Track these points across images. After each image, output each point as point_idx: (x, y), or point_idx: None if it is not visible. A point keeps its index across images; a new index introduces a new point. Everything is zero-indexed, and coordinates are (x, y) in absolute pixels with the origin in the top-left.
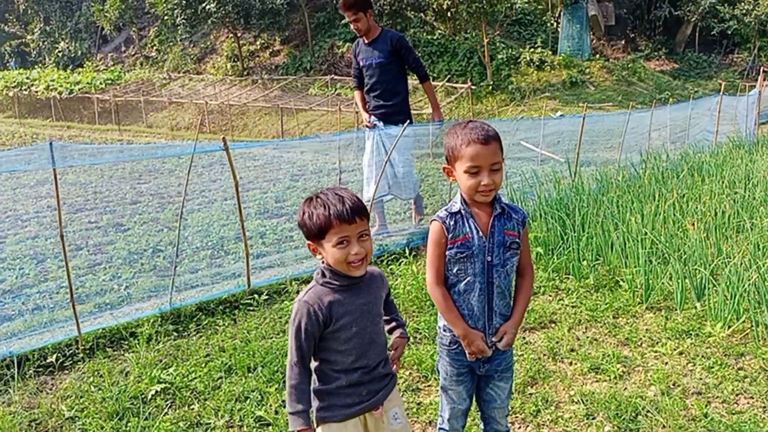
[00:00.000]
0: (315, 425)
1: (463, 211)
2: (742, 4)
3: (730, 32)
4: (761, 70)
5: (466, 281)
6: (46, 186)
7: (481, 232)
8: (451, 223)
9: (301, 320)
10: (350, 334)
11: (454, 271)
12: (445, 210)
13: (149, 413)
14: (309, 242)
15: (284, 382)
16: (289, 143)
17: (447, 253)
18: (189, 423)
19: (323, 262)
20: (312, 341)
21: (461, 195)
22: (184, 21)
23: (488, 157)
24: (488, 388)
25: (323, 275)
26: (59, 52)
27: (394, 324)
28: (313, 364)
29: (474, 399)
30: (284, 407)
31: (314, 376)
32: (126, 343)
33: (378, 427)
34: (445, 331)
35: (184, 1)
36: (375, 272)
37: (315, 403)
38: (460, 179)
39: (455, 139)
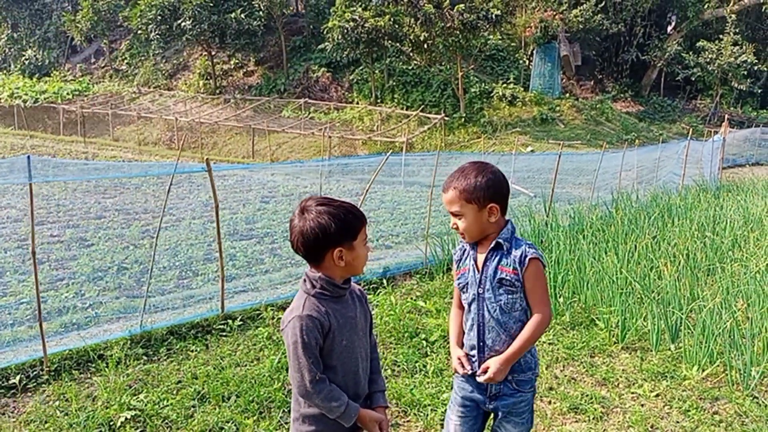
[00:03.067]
0: None
1: (467, 246)
2: (706, 52)
3: (693, 79)
4: (725, 116)
5: (466, 310)
6: (6, 196)
7: (475, 266)
8: (460, 254)
9: (309, 334)
10: (341, 348)
11: (463, 297)
12: (462, 243)
13: None
14: (340, 248)
15: (261, 413)
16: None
17: (455, 282)
18: None
19: (317, 275)
20: (318, 352)
21: None
22: (158, 36)
23: (448, 204)
24: (499, 425)
25: (315, 286)
26: (26, 59)
27: (374, 387)
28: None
29: None
30: None
31: (301, 400)
32: (93, 365)
33: None
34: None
35: (159, 17)
36: (356, 288)
37: (300, 427)
38: None
39: None
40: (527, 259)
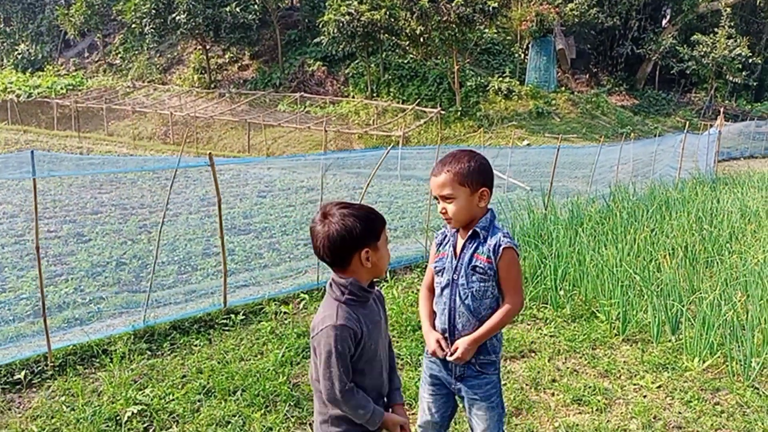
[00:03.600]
0: None
1: (449, 232)
2: (701, 46)
3: (688, 72)
4: (720, 109)
5: (438, 294)
6: (2, 192)
7: (454, 253)
8: (441, 239)
9: (343, 344)
10: (370, 353)
11: (436, 281)
12: (444, 227)
13: None
14: (366, 249)
15: (267, 407)
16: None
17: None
18: None
19: (346, 281)
20: (349, 359)
21: None
22: (152, 30)
23: (437, 188)
24: (470, 414)
25: (345, 292)
26: (19, 54)
27: (391, 385)
28: None
29: (447, 420)
30: None
31: (330, 422)
32: (98, 360)
33: None
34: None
35: (153, 11)
36: (375, 290)
37: (327, 429)
38: None
39: None
40: (501, 248)
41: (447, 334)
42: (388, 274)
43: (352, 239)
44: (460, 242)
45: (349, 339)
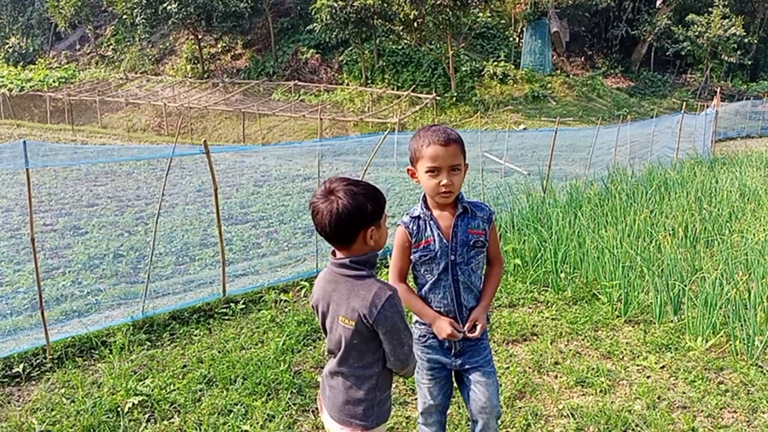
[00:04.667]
0: None
1: (423, 215)
2: (696, 26)
3: (683, 53)
4: (717, 90)
5: (432, 281)
6: None
7: (442, 235)
8: (414, 228)
9: (401, 306)
10: None
11: (421, 271)
12: (408, 215)
13: (127, 427)
14: (372, 227)
15: (269, 395)
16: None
17: (412, 256)
18: None
19: (366, 257)
20: None
21: (423, 199)
22: (143, 21)
23: (447, 158)
24: (470, 384)
25: (370, 266)
26: (9, 47)
27: None
28: (375, 370)
29: (448, 399)
30: (270, 421)
31: (371, 385)
32: (97, 352)
33: None
34: (415, 325)
35: (144, 1)
36: None
37: (371, 413)
38: (422, 180)
39: (418, 141)
40: (492, 216)
41: (453, 315)
42: (388, 259)
43: (362, 217)
44: (446, 222)
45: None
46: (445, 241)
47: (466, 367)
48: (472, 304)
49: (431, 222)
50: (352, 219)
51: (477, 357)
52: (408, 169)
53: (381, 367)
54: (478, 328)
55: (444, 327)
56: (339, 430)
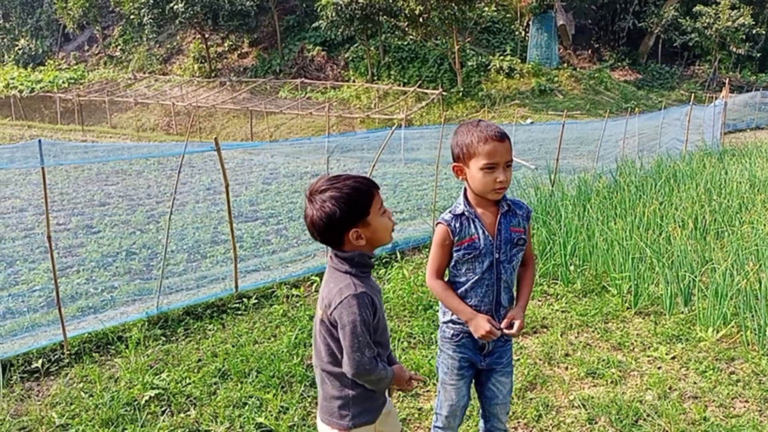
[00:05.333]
0: None
1: (467, 213)
2: (704, 17)
3: (691, 44)
4: (726, 81)
5: (474, 279)
6: (9, 187)
7: (487, 232)
8: (457, 225)
9: (366, 311)
10: (382, 324)
11: (463, 270)
12: (450, 212)
13: (145, 420)
14: (354, 229)
15: (282, 387)
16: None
17: (454, 254)
18: (187, 430)
19: (352, 254)
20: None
21: (464, 196)
22: (150, 21)
23: (504, 154)
24: (490, 383)
25: (353, 264)
26: (19, 49)
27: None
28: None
29: (470, 397)
30: (284, 413)
31: (344, 383)
32: (113, 347)
33: (383, 422)
34: (448, 325)
35: (151, 1)
36: None
37: (346, 413)
38: (474, 177)
39: (469, 136)
40: (530, 214)
41: (491, 314)
42: (398, 254)
43: (334, 224)
44: (490, 219)
45: (370, 307)
46: (490, 238)
47: (494, 367)
48: (506, 303)
49: (476, 219)
50: (326, 227)
51: (503, 358)
52: (454, 167)
53: None
54: (516, 324)
55: (482, 324)
56: (323, 430)
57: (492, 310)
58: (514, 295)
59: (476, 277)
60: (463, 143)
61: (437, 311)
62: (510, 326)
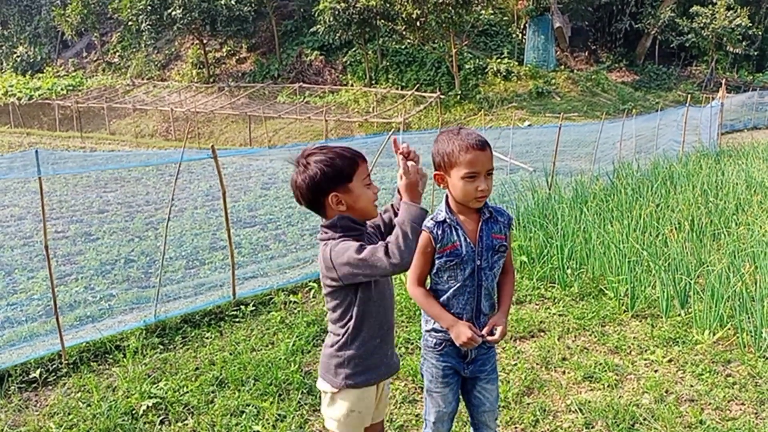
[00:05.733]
0: (336, 392)
1: (449, 220)
2: (700, 18)
3: (688, 45)
4: (723, 81)
5: (456, 287)
6: (8, 195)
7: (469, 239)
8: (439, 232)
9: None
10: (381, 285)
11: (444, 278)
12: (432, 219)
13: (142, 429)
14: (334, 193)
15: (280, 395)
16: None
17: (436, 261)
18: None
19: (334, 219)
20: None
21: (446, 203)
22: (148, 27)
23: (485, 162)
24: (475, 391)
25: (337, 230)
26: (17, 56)
27: None
28: (350, 325)
29: (458, 404)
30: (281, 421)
31: (345, 341)
32: (111, 356)
33: (380, 398)
34: (430, 333)
35: (149, 7)
36: (370, 229)
37: (342, 371)
38: (456, 186)
39: (450, 145)
40: (511, 221)
41: (472, 321)
42: None
43: (315, 185)
44: (471, 226)
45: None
46: (472, 245)
47: (476, 374)
48: (488, 310)
49: (458, 227)
50: (308, 189)
51: (486, 365)
52: (435, 175)
53: (352, 325)
54: (498, 330)
55: (464, 331)
56: (320, 385)
57: (473, 317)
58: (495, 302)
59: (458, 285)
60: (444, 152)
61: None
62: (492, 333)
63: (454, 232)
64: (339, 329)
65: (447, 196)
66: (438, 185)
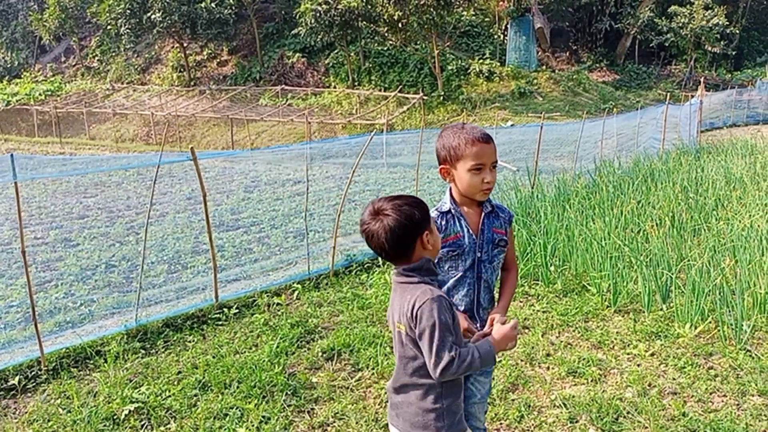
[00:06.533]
0: None
1: (453, 211)
2: (679, 17)
3: (667, 44)
4: (702, 80)
5: (456, 277)
6: None
7: (471, 231)
8: (443, 222)
9: (446, 314)
10: (456, 325)
11: (446, 268)
12: (436, 210)
13: None
14: (426, 231)
15: (264, 397)
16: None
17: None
18: None
19: (419, 263)
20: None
21: (450, 195)
22: (128, 31)
23: (491, 155)
24: (468, 383)
25: (424, 272)
26: None
27: None
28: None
29: None
30: (266, 423)
31: (435, 395)
32: (92, 362)
33: None
34: None
35: (128, 11)
36: None
37: (441, 424)
38: (462, 178)
39: (456, 139)
40: (512, 219)
41: (470, 314)
42: (379, 259)
43: (413, 225)
44: (474, 219)
45: (449, 310)
46: (474, 237)
47: None
48: (487, 304)
49: (461, 218)
50: (405, 230)
51: None
52: (441, 169)
53: (448, 381)
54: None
55: (462, 322)
56: None
57: (472, 309)
58: (495, 296)
59: (459, 275)
60: (450, 146)
61: None
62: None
63: (458, 223)
64: (429, 380)
65: (450, 189)
66: (444, 179)
